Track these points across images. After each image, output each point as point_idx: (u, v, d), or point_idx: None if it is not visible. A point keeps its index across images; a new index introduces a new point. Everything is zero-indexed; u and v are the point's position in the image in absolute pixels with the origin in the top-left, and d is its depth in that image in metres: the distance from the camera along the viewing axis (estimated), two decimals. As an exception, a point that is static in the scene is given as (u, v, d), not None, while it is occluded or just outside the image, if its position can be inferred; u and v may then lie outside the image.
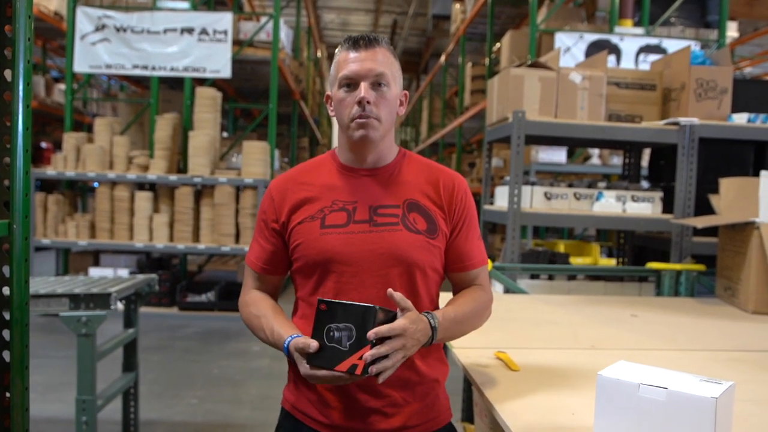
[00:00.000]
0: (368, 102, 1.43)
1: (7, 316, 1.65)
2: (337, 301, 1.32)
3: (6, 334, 1.65)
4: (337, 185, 1.52)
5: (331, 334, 1.29)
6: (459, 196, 1.54)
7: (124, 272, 6.97)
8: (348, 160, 1.54)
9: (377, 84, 1.44)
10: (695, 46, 6.58)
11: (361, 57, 1.44)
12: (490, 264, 3.14)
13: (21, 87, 1.63)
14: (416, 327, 1.33)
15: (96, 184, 7.18)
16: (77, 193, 7.78)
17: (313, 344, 1.28)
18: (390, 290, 1.35)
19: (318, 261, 1.46)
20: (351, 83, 1.45)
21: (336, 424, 1.48)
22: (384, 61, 1.46)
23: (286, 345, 1.38)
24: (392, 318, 1.32)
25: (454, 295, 1.60)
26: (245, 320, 1.57)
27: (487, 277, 1.61)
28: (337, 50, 1.50)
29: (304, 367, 1.31)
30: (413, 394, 1.49)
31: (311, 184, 1.53)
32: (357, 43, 1.46)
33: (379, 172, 1.53)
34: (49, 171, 7.06)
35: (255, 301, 1.56)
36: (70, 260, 7.42)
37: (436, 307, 1.54)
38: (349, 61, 1.45)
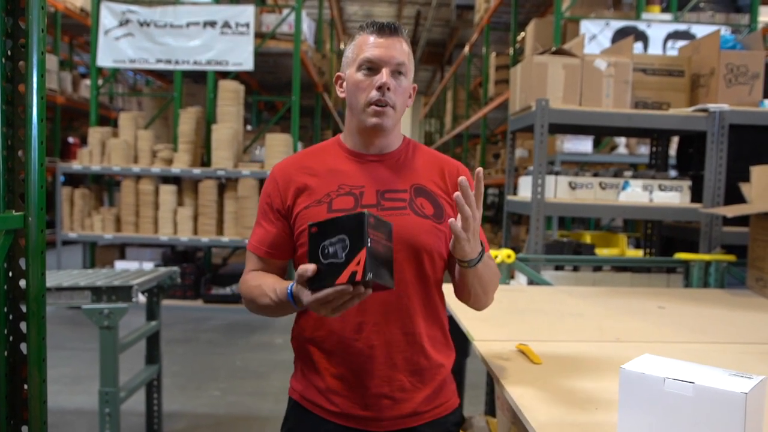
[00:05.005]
0: (388, 88, 1.43)
1: (24, 308, 1.65)
2: (326, 219, 1.26)
3: (23, 326, 1.65)
4: (343, 170, 1.50)
5: (326, 251, 1.23)
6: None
7: (149, 265, 7.05)
8: (355, 145, 1.53)
9: (397, 72, 1.46)
10: (725, 31, 6.41)
11: (386, 43, 1.45)
12: (513, 255, 3.09)
13: (35, 78, 1.62)
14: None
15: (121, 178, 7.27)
16: (103, 187, 7.87)
17: (310, 267, 1.23)
18: (451, 220, 1.33)
19: None
20: (373, 67, 1.45)
21: (345, 413, 1.46)
22: (405, 51, 1.48)
23: (290, 289, 1.34)
24: (389, 226, 1.26)
25: (456, 290, 1.53)
26: (245, 296, 1.50)
27: (493, 261, 1.56)
28: (358, 33, 1.50)
29: (307, 296, 1.25)
30: (422, 379, 1.48)
31: (315, 168, 1.52)
32: (382, 29, 1.46)
33: (386, 157, 1.53)
34: (75, 165, 7.16)
35: (255, 276, 1.51)
36: (96, 254, 7.52)
37: (442, 296, 1.54)
38: (373, 45, 1.45)
